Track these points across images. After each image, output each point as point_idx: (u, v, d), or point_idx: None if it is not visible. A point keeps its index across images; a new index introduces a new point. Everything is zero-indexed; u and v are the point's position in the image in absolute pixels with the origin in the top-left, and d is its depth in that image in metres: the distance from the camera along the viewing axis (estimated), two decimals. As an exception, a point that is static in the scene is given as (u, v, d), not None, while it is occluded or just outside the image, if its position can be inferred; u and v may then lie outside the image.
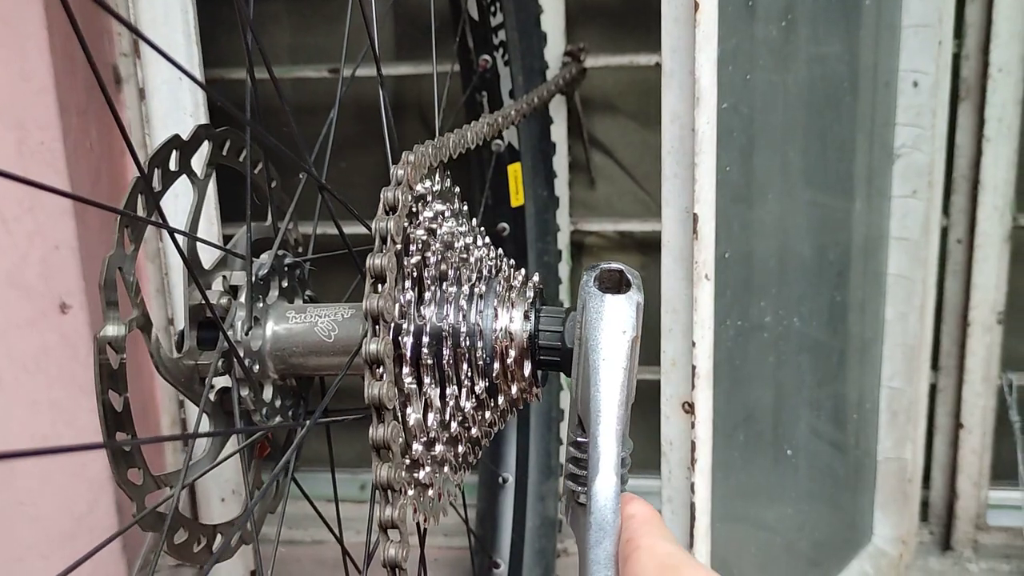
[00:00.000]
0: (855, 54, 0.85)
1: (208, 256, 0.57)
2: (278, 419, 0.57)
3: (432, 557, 1.17)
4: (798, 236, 0.82)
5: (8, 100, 0.99)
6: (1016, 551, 1.08)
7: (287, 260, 0.58)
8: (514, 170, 0.92)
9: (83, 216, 1.04)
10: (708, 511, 0.68)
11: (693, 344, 0.64)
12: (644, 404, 0.67)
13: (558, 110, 1.04)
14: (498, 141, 0.91)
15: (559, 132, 1.06)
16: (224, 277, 0.56)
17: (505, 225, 0.94)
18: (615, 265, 0.46)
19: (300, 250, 0.63)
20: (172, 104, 0.74)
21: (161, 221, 0.48)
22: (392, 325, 0.49)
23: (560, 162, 1.06)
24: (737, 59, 0.67)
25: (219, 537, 0.56)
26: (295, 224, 0.64)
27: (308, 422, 0.53)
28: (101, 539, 1.12)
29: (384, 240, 0.48)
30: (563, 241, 1.09)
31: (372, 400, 0.47)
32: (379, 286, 0.47)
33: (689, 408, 0.66)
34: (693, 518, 0.67)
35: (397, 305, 0.49)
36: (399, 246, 0.49)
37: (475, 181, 0.94)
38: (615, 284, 0.47)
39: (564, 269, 1.11)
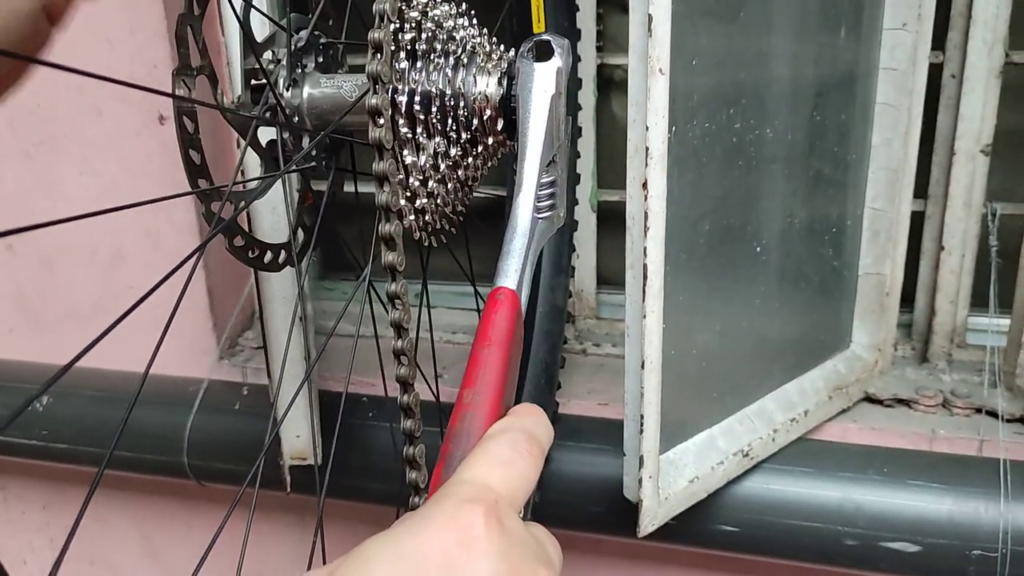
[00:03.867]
0: None
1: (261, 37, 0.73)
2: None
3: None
4: (772, 54, 0.92)
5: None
6: (990, 366, 1.18)
7: (322, 40, 0.73)
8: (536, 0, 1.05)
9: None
10: (660, 274, 0.83)
11: (647, 129, 0.77)
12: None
13: (585, -52, 1.15)
14: (522, -29, 1.03)
15: (587, -31, 1.17)
16: (272, 52, 0.72)
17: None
18: (545, 36, 0.61)
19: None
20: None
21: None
22: (390, 87, 0.64)
23: (586, -2, 1.17)
24: None
25: (269, 252, 0.74)
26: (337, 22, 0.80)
27: (319, 136, 0.70)
28: (195, 319, 1.35)
29: (381, 19, 0.63)
30: (588, 73, 1.21)
31: (373, 141, 0.63)
32: (377, 55, 0.63)
33: (645, 186, 0.80)
34: (646, 278, 0.82)
35: (392, 70, 0.64)
36: (395, 24, 0.64)
37: (503, 6, 1.07)
38: (548, 52, 0.61)
39: (589, 99, 1.23)
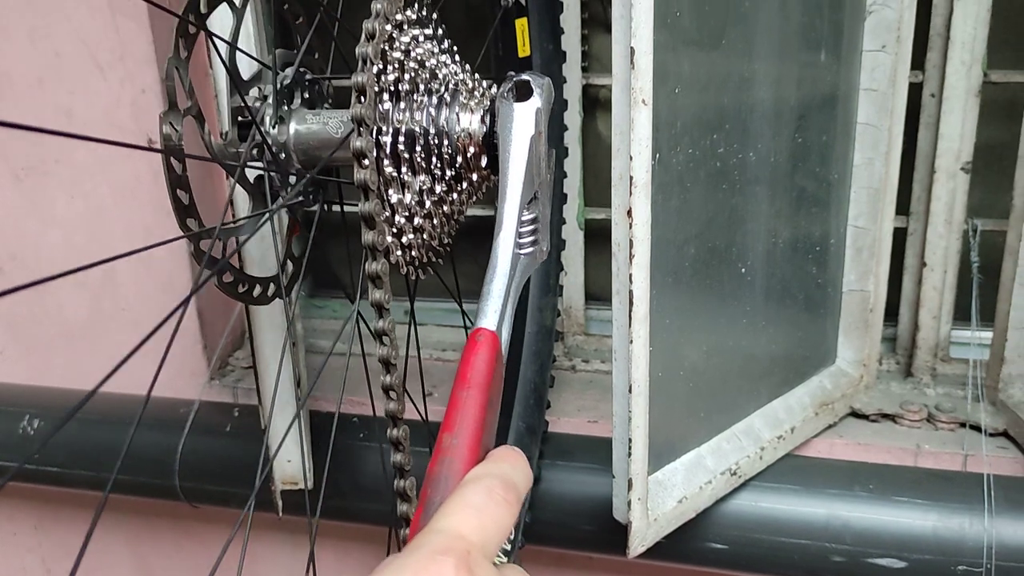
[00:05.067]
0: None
1: (247, 75, 0.74)
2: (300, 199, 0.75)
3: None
4: (754, 80, 0.94)
5: (100, -38, 1.17)
6: (973, 380, 1.20)
7: (307, 76, 0.74)
8: (521, 24, 1.05)
9: (164, 64, 1.23)
10: (646, 299, 0.84)
11: (631, 159, 0.78)
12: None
13: (569, -28, 1.17)
14: (506, -2, 1.04)
15: (571, -8, 1.19)
16: (259, 89, 0.73)
17: (513, 73, 1.07)
18: (524, 76, 0.62)
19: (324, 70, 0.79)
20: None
21: (207, 29, 0.65)
22: (374, 128, 0.65)
23: (570, 20, 1.18)
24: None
25: (258, 286, 0.75)
26: (320, 57, 0.80)
27: (307, 177, 0.70)
28: (186, 341, 1.36)
29: (364, 62, 0.64)
30: (574, 93, 1.23)
31: (359, 183, 0.64)
32: (361, 98, 0.63)
33: (629, 214, 0.81)
34: (631, 304, 0.83)
35: (376, 112, 0.65)
36: (378, 66, 0.65)
37: (489, 32, 1.08)
38: (527, 93, 0.62)
39: (575, 119, 1.25)
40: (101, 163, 1.28)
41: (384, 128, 0.66)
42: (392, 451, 0.64)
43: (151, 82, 1.21)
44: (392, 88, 0.66)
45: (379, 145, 0.66)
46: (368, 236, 0.64)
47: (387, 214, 0.66)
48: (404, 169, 0.67)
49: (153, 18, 1.18)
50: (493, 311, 0.55)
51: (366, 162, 0.63)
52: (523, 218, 0.61)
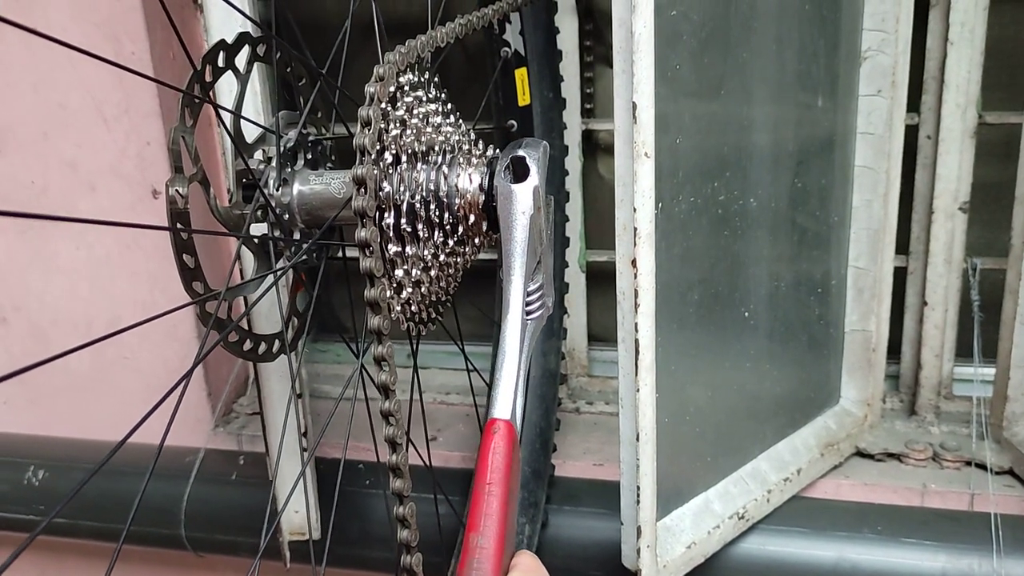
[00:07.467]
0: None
1: (251, 136, 0.75)
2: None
3: (465, 413, 1.37)
4: (753, 127, 0.95)
5: (106, 16, 1.18)
6: (976, 417, 1.20)
7: (310, 137, 0.75)
8: (520, 74, 1.07)
9: (169, 117, 1.24)
10: (651, 348, 0.84)
11: (635, 210, 0.79)
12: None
13: (564, 21, 1.18)
14: (506, 49, 1.05)
15: (570, 41, 1.20)
16: (263, 150, 0.74)
17: (514, 122, 1.09)
18: (520, 153, 0.61)
19: (324, 131, 0.80)
20: (226, 16, 0.90)
21: (212, 101, 0.65)
22: (375, 214, 0.64)
23: (569, 68, 1.20)
24: (683, -26, 0.80)
25: (263, 344, 0.75)
26: (323, 115, 0.82)
27: (309, 242, 0.71)
28: (190, 388, 1.36)
29: (362, 153, 0.62)
30: (574, 138, 1.24)
31: (365, 271, 0.62)
32: (361, 188, 0.63)
33: (634, 264, 0.81)
34: (637, 352, 0.83)
35: (378, 199, 0.64)
36: (374, 154, 0.63)
37: (489, 83, 1.09)
38: (524, 172, 0.62)
39: (576, 164, 1.26)
40: (105, 214, 1.29)
41: (386, 212, 0.65)
42: (399, 527, 0.64)
43: (156, 134, 1.23)
44: (389, 170, 0.65)
45: (382, 230, 0.65)
46: (375, 321, 0.63)
47: (394, 286, 0.66)
48: (408, 245, 0.67)
49: (156, 70, 1.20)
50: (506, 398, 0.55)
51: (370, 250, 0.62)
52: (529, 289, 0.61)
